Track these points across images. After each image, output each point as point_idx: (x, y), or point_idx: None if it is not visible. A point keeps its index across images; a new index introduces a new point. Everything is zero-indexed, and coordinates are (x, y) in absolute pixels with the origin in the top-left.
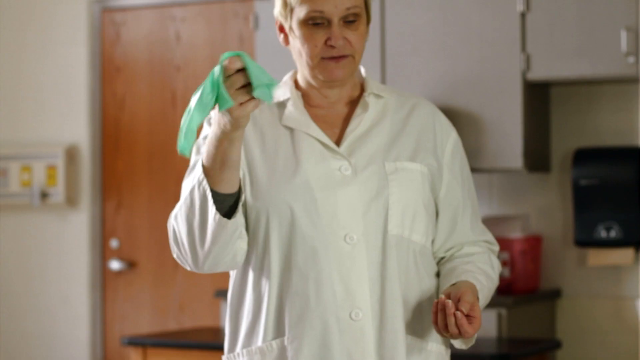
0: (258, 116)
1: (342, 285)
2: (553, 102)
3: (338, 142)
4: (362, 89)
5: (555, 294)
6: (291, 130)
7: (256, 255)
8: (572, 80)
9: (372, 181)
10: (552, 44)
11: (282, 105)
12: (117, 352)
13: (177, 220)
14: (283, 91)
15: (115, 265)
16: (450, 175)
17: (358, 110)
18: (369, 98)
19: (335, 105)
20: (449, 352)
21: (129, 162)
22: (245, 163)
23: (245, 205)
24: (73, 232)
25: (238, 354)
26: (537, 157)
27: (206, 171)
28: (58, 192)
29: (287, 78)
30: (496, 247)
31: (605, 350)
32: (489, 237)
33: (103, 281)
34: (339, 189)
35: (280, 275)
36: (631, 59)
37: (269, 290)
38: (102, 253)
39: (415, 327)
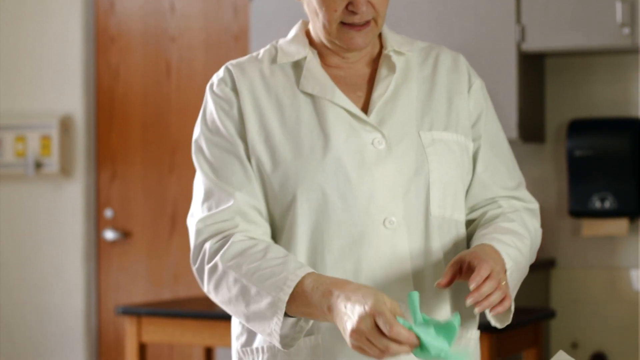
0: (270, 79)
1: (383, 274)
2: (548, 73)
3: (364, 109)
4: (381, 45)
5: (549, 264)
6: (312, 97)
7: (280, 245)
8: (567, 52)
9: (410, 156)
10: (547, 15)
11: (297, 66)
12: (112, 322)
13: (213, 274)
14: (297, 48)
15: (109, 235)
16: (479, 126)
17: (383, 70)
18: (392, 56)
19: (355, 65)
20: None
21: (123, 132)
22: (263, 137)
23: (265, 188)
24: (67, 202)
25: (257, 350)
26: (531, 128)
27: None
28: (52, 162)
29: (297, 31)
30: (533, 205)
31: (599, 320)
32: (523, 193)
33: (97, 251)
34: (375, 167)
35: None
36: (626, 30)
37: None
38: (97, 223)
39: (460, 314)
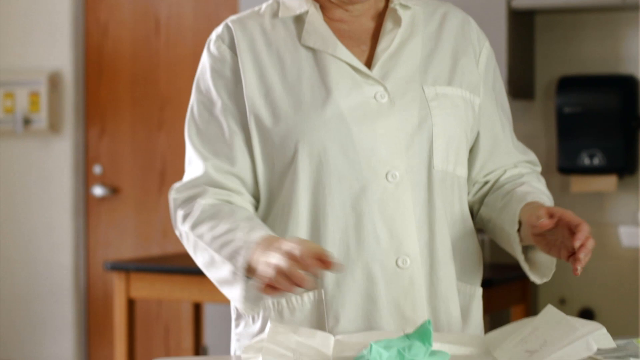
0: (271, 33)
1: (386, 230)
2: (538, 30)
3: (368, 64)
4: None
5: None
6: (314, 51)
7: (280, 203)
8: (557, 8)
9: (413, 109)
10: None
11: (299, 20)
12: (100, 278)
13: (190, 234)
14: (299, 2)
15: (98, 191)
16: (487, 90)
17: (388, 24)
18: (398, 10)
19: (360, 19)
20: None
21: (112, 88)
22: (263, 93)
23: (263, 144)
24: (56, 159)
25: (255, 317)
26: (521, 85)
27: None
28: (41, 118)
29: None
30: (539, 168)
31: (587, 276)
32: (532, 156)
33: (86, 207)
34: (377, 121)
35: (311, 225)
36: None
37: None
38: (85, 179)
39: (465, 271)
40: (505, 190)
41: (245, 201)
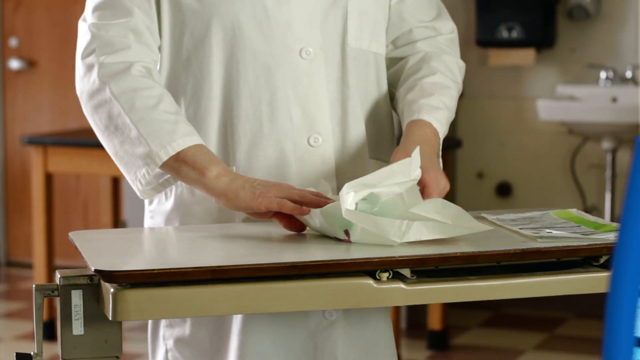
0: None
1: (299, 107)
2: None
3: None
4: None
5: None
6: None
7: (193, 77)
8: None
9: None
10: None
11: None
12: (18, 152)
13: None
14: None
15: (14, 64)
16: None
17: None
18: None
19: None
20: None
21: None
22: None
23: (178, 16)
24: None
25: (168, 194)
26: None
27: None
28: None
29: None
30: (454, 35)
31: (505, 150)
32: (441, 23)
33: (3, 81)
34: None
35: (224, 100)
36: None
37: (210, 119)
38: (1, 52)
39: (379, 149)
40: (407, 87)
41: (157, 64)
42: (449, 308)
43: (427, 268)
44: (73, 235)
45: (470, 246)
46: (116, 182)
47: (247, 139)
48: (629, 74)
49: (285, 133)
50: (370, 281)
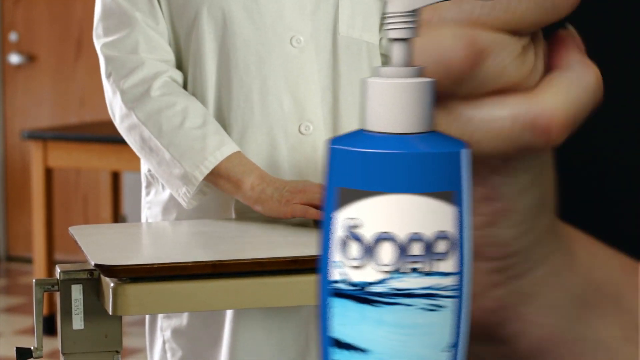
0: None
1: (289, 95)
2: None
3: None
4: None
5: None
6: None
7: (191, 65)
8: None
9: None
10: None
11: None
12: (18, 146)
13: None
14: None
15: (14, 59)
16: None
17: None
18: None
19: None
20: None
21: None
22: None
23: (170, 6)
24: None
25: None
26: None
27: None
28: None
29: None
30: None
31: None
32: None
33: (2, 75)
34: None
35: (217, 88)
36: None
37: (205, 106)
38: (1, 47)
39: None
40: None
41: (173, 63)
42: None
43: None
44: (73, 230)
45: None
46: (116, 176)
47: (239, 127)
48: None
49: (277, 121)
50: None
